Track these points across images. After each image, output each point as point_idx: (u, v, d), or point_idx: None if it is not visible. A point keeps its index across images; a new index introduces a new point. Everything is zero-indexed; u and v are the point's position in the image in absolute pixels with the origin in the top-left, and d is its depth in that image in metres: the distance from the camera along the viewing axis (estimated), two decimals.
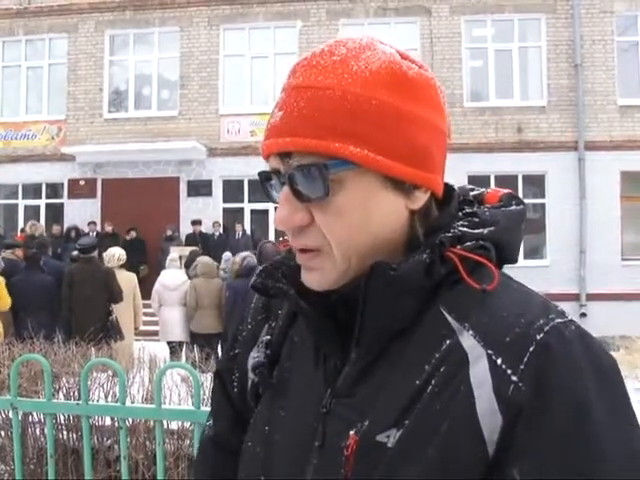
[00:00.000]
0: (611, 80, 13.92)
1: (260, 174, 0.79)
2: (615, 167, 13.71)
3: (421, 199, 0.76)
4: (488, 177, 13.61)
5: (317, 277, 0.76)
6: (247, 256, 8.14)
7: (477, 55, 14.66)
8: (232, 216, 14.62)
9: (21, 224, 14.93)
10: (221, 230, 13.96)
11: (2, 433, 3.43)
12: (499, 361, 0.67)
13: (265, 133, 0.75)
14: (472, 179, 12.62)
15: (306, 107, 0.71)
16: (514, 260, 0.79)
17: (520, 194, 10.58)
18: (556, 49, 14.11)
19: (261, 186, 0.80)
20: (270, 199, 0.79)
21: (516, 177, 14.03)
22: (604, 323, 12.01)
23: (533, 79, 14.50)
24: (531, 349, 0.66)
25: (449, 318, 0.72)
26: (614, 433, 0.64)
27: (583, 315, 13.14)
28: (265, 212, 14.74)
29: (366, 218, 0.73)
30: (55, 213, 15.37)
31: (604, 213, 13.58)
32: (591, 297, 13.51)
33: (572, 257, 13.67)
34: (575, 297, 13.50)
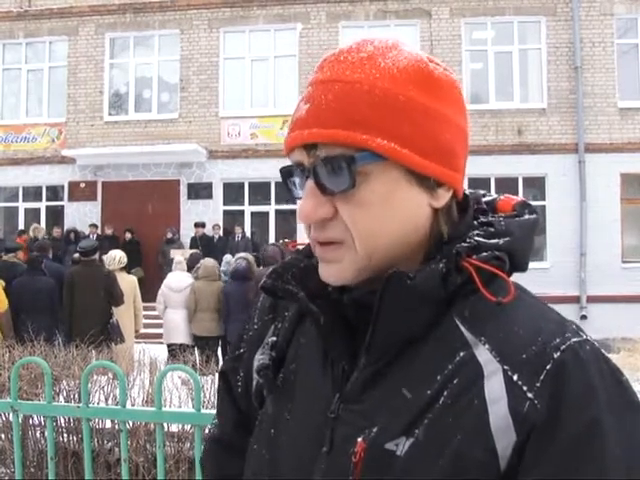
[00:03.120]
0: (611, 82, 13.92)
1: (282, 169, 0.79)
2: (615, 169, 13.71)
3: (444, 197, 0.76)
4: (488, 179, 13.61)
5: (335, 270, 0.75)
6: (238, 258, 8.17)
7: (477, 57, 14.67)
8: (232, 219, 14.63)
9: (21, 227, 14.93)
10: (221, 233, 13.97)
11: (2, 436, 3.43)
12: (515, 377, 0.67)
13: (290, 126, 0.75)
14: (472, 181, 12.61)
15: (334, 100, 0.71)
16: (525, 268, 0.79)
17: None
18: (556, 51, 14.12)
19: (283, 182, 0.79)
20: (292, 195, 0.79)
21: (516, 179, 14.04)
22: (605, 325, 12.01)
23: (533, 81, 14.50)
24: (548, 367, 0.66)
25: (463, 330, 0.72)
26: (624, 452, 0.64)
27: (583, 317, 13.12)
28: (265, 214, 14.76)
29: (389, 211, 0.73)
30: (55, 216, 15.36)
31: (604, 215, 13.58)
32: (591, 299, 13.48)
33: (572, 259, 13.66)
34: (575, 299, 13.48)
